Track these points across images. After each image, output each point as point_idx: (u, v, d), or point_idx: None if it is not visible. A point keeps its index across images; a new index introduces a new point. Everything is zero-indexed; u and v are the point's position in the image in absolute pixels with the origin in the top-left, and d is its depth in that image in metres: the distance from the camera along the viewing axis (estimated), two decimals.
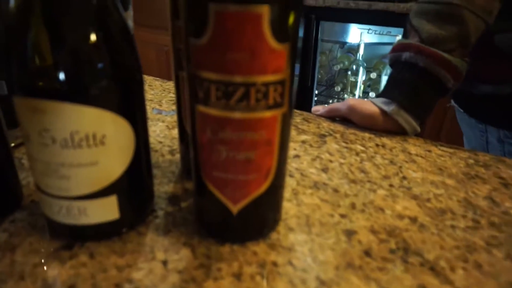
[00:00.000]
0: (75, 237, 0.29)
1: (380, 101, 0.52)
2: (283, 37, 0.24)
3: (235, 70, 0.24)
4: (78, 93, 0.25)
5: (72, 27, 0.24)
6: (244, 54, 0.23)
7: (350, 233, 0.32)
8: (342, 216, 0.34)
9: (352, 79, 1.86)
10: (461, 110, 0.74)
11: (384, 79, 1.81)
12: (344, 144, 0.49)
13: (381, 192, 0.38)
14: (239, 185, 0.28)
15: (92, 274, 0.26)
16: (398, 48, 0.54)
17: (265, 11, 0.22)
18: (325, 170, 0.42)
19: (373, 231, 0.32)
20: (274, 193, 0.30)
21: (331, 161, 0.44)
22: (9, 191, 0.32)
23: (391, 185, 0.39)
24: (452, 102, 0.77)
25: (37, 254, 0.28)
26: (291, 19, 0.24)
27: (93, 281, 0.26)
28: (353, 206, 0.36)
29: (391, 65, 0.56)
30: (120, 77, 0.26)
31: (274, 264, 0.28)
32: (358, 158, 0.45)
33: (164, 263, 0.28)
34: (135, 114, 0.28)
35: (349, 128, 0.54)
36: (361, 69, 1.84)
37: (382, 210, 0.35)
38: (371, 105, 0.52)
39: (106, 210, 0.28)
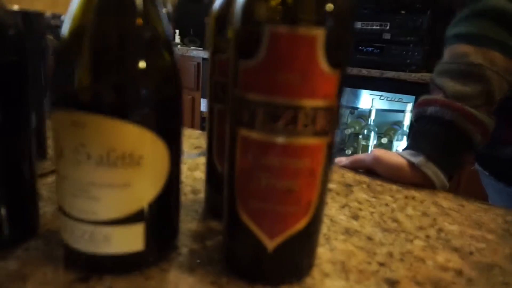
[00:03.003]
0: (93, 268, 0.27)
1: (406, 153, 0.51)
2: (335, 62, 0.23)
3: (284, 92, 0.23)
4: (121, 109, 0.24)
5: (124, 49, 0.24)
6: (295, 77, 0.23)
7: (392, 283, 0.29)
8: (381, 264, 0.31)
9: (363, 143, 1.87)
10: (487, 173, 0.72)
11: (396, 144, 1.81)
12: (372, 194, 0.47)
13: (418, 242, 0.36)
14: (277, 218, 0.26)
15: None
16: (423, 103, 0.54)
17: (319, 34, 0.22)
18: (355, 217, 0.40)
19: (417, 282, 0.29)
20: (313, 231, 0.27)
21: (360, 209, 0.42)
22: (25, 219, 0.30)
23: (427, 236, 0.37)
24: (476, 165, 0.76)
25: (50, 286, 0.25)
26: (344, 45, 0.24)
27: None
28: (390, 255, 0.33)
29: (416, 120, 0.56)
30: (164, 99, 0.26)
31: None
32: (388, 208, 0.43)
33: None
34: (173, 138, 0.27)
35: (375, 179, 0.52)
36: (372, 133, 1.86)
37: (422, 260, 0.32)
38: (398, 156, 0.51)
39: (131, 240, 0.26)
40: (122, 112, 0.24)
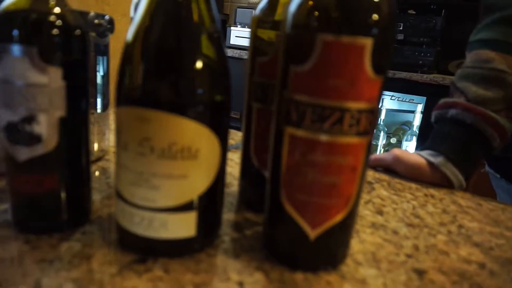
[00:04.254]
0: (149, 251, 0.29)
1: (426, 153, 0.53)
2: (379, 68, 0.26)
3: (333, 95, 0.26)
4: (183, 107, 0.26)
5: (185, 50, 0.26)
6: (344, 82, 0.25)
7: (420, 272, 0.31)
8: (408, 256, 0.34)
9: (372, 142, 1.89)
10: (498, 176, 0.74)
11: (405, 145, 1.83)
12: (392, 191, 0.49)
13: (441, 237, 0.38)
14: (320, 209, 0.28)
15: None
16: (443, 105, 0.56)
17: (368, 43, 0.25)
18: (380, 213, 0.42)
19: (443, 272, 0.32)
20: (349, 223, 0.30)
21: (384, 206, 0.44)
22: (81, 205, 0.33)
23: (449, 232, 0.39)
24: (487, 167, 0.78)
25: (112, 265, 0.28)
26: (387, 52, 0.26)
27: None
28: (416, 247, 0.35)
29: (436, 122, 0.58)
30: (218, 97, 0.28)
31: None
32: (410, 205, 0.45)
33: (240, 284, 0.27)
34: (224, 133, 0.29)
35: (394, 178, 0.54)
36: (381, 133, 1.88)
37: (446, 253, 0.35)
38: (418, 156, 0.53)
39: (185, 226, 0.29)
40: (183, 109, 0.26)
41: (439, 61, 1.70)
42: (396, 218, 0.41)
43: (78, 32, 0.29)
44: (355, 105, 0.26)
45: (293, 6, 0.27)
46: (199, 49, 0.27)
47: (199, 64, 0.27)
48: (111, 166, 0.47)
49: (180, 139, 0.26)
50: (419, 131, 1.73)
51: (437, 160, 0.51)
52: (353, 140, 0.27)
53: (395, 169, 0.55)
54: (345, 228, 0.30)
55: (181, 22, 0.26)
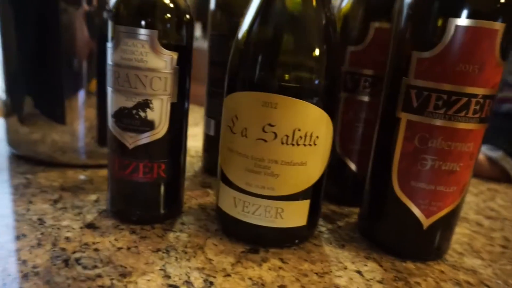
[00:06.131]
0: (259, 241, 0.29)
1: (484, 147, 0.53)
2: (505, 54, 0.26)
3: (462, 81, 0.25)
4: (310, 92, 0.26)
5: (315, 36, 0.26)
6: (473, 67, 0.25)
7: None
8: (503, 246, 0.34)
9: None
10: None
11: None
12: None
13: None
14: (437, 197, 0.28)
15: (296, 277, 0.26)
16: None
17: (500, 27, 0.24)
18: None
19: None
20: (458, 211, 0.30)
21: None
22: (180, 195, 0.32)
23: None
24: None
25: (227, 255, 0.27)
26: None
27: (299, 283, 0.25)
28: (506, 239, 0.35)
29: None
30: (336, 82, 0.28)
31: (468, 283, 0.27)
32: (479, 199, 0.45)
33: (359, 272, 0.27)
34: (336, 121, 0.29)
35: None
36: None
37: None
38: None
39: (299, 215, 0.28)
40: (309, 94, 0.26)
41: None
42: (473, 211, 0.41)
43: (188, 17, 0.28)
44: (482, 91, 0.26)
45: None
46: (325, 36, 0.27)
47: (326, 50, 0.26)
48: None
49: (303, 125, 0.26)
50: None
51: (496, 154, 0.51)
52: (475, 126, 0.26)
53: None
54: (455, 217, 0.29)
55: (306, 10, 0.26)
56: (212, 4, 0.39)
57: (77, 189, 0.35)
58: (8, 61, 0.40)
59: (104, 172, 0.40)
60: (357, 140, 0.37)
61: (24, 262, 0.24)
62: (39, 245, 0.26)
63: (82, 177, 0.38)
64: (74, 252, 0.25)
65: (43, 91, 0.40)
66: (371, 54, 0.34)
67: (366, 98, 0.35)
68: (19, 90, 0.40)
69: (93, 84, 0.40)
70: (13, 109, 0.41)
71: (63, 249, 0.25)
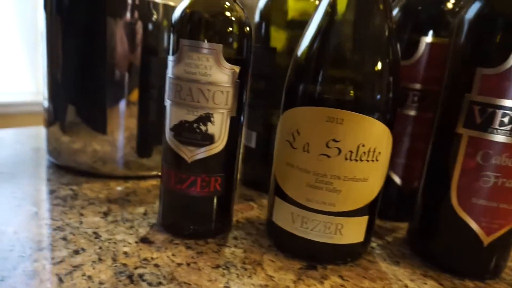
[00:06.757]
0: (316, 257, 0.28)
1: None
2: None
3: None
4: (375, 108, 0.26)
5: (382, 52, 0.26)
6: None
7: None
8: None
9: None
10: None
11: None
12: None
13: None
14: (499, 215, 0.27)
15: None
16: None
17: None
18: None
19: None
20: None
21: None
22: (231, 209, 0.32)
23: None
24: None
25: (287, 271, 0.27)
26: None
27: None
28: None
29: None
30: (398, 98, 0.28)
31: None
32: None
33: None
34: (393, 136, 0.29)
35: None
36: None
37: None
38: None
39: (358, 231, 0.28)
40: (374, 110, 0.26)
41: None
42: None
43: (248, 29, 0.28)
44: None
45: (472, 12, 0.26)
46: (390, 48, 0.26)
47: (390, 64, 0.26)
48: None
49: (368, 141, 0.26)
50: None
51: None
52: None
53: None
54: None
55: (372, 23, 0.26)
56: (257, 17, 0.39)
57: (123, 201, 0.35)
58: (53, 69, 0.40)
59: (146, 184, 0.40)
60: (403, 154, 0.36)
61: (89, 277, 0.23)
62: (100, 260, 0.25)
63: (119, 188, 0.38)
64: (136, 268, 0.25)
65: (85, 100, 0.40)
66: (421, 68, 0.34)
67: (413, 113, 0.35)
68: (62, 98, 0.40)
69: (135, 94, 0.40)
70: (55, 118, 0.41)
71: (125, 265, 0.25)
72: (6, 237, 0.27)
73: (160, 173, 0.42)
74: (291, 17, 0.38)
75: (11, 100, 1.51)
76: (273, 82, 0.39)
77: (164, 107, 0.28)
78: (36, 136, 0.54)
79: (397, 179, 0.37)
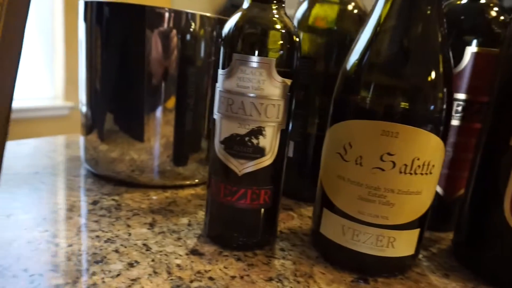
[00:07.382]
0: (367, 270, 0.28)
1: None
2: None
3: None
4: (431, 121, 0.26)
5: (437, 65, 0.26)
6: None
7: None
8: None
9: None
10: None
11: None
12: None
13: None
14: None
15: None
16: None
17: None
18: None
19: None
20: None
21: None
22: (274, 224, 0.32)
23: None
24: None
25: (340, 284, 0.27)
26: None
27: None
28: None
29: None
30: (451, 110, 0.27)
31: None
32: None
33: None
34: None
35: None
36: None
37: None
38: None
39: (409, 244, 0.28)
40: (429, 123, 0.26)
41: None
42: None
43: (297, 40, 0.28)
44: None
45: None
46: (444, 60, 0.26)
47: (445, 75, 0.26)
48: None
49: (423, 154, 0.26)
50: None
51: None
52: None
53: None
54: None
55: (428, 34, 0.26)
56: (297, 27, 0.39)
57: (166, 211, 0.35)
58: (92, 79, 0.40)
59: (184, 193, 0.40)
60: (445, 164, 0.36)
61: None
62: (155, 273, 0.25)
63: (154, 197, 0.38)
64: (191, 281, 0.25)
65: (123, 108, 0.40)
66: (466, 78, 0.34)
67: (456, 123, 0.35)
68: (101, 106, 0.41)
69: (171, 102, 0.40)
70: (93, 125, 0.41)
71: (180, 278, 0.25)
72: (61, 250, 0.27)
73: (195, 182, 0.43)
74: (328, 26, 0.38)
75: (29, 105, 1.53)
76: (311, 92, 0.39)
77: (213, 120, 0.28)
78: (69, 144, 0.55)
79: (439, 189, 0.37)
